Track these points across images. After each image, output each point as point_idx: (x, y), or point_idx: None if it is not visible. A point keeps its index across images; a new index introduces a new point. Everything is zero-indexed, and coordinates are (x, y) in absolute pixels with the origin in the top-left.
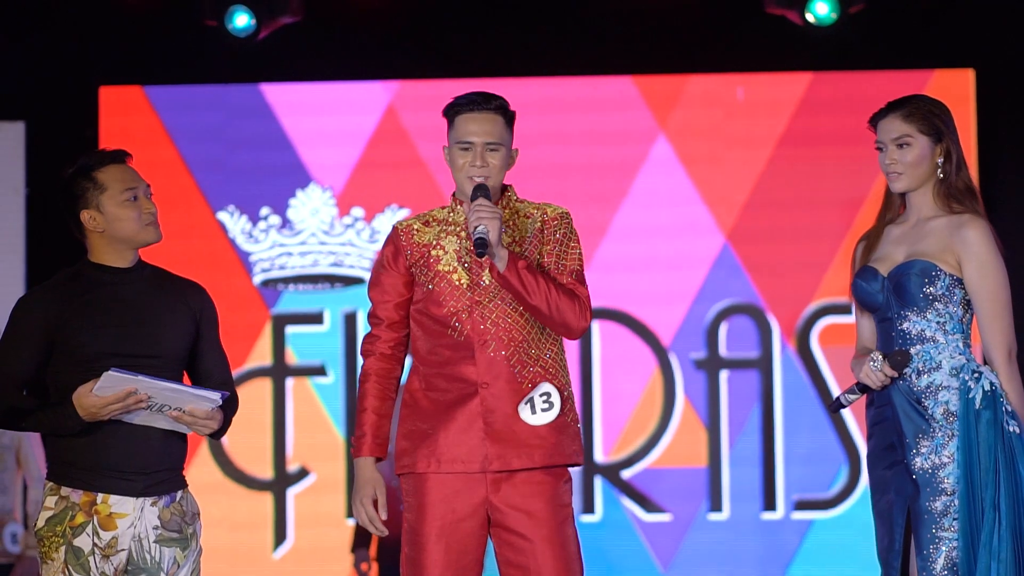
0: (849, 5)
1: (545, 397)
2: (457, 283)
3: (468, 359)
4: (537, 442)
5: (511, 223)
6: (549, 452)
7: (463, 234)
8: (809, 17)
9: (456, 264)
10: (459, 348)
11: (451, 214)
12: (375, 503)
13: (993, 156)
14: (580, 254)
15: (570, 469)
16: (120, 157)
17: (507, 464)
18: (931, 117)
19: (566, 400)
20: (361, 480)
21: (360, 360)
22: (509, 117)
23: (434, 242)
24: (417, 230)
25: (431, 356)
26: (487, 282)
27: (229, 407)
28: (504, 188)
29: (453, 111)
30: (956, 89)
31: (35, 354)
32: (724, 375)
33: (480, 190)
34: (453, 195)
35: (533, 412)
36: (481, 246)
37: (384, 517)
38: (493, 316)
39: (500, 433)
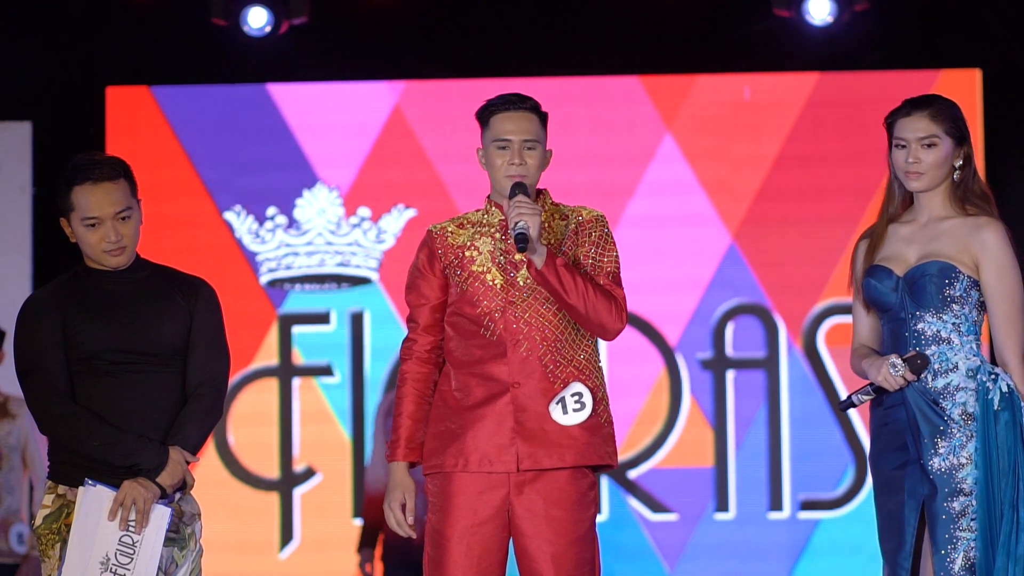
0: (853, 4)
1: (577, 397)
2: (491, 283)
3: (500, 358)
4: (568, 442)
5: (547, 224)
6: (580, 452)
7: (497, 235)
8: (807, 17)
9: (490, 264)
10: (491, 347)
11: (486, 216)
12: (404, 507)
13: (999, 156)
14: (616, 256)
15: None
16: (102, 176)
17: (537, 463)
18: (956, 120)
19: (599, 401)
20: (392, 483)
21: (369, 359)
22: (543, 117)
23: (468, 243)
24: (451, 232)
25: (463, 357)
26: (522, 282)
27: (203, 420)
28: (539, 191)
29: (488, 112)
30: (962, 89)
31: (64, 357)
32: (731, 375)
33: (519, 187)
34: (488, 197)
35: (564, 412)
36: (522, 241)
37: (411, 521)
38: (526, 316)
39: (531, 432)
